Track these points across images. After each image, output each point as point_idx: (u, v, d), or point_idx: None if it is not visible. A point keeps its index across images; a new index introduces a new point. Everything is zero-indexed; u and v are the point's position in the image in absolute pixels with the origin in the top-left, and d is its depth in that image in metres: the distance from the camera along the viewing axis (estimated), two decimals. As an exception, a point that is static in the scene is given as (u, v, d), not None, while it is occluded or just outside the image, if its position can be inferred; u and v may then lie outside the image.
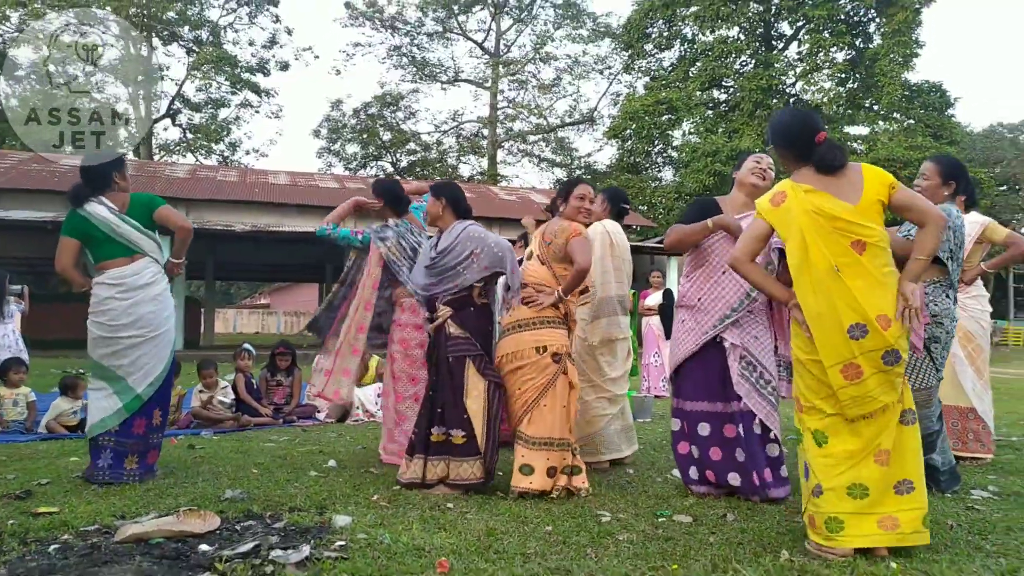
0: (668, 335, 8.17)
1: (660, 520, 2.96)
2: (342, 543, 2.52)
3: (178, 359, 6.67)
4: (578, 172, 32.21)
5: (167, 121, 30.32)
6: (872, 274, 2.51)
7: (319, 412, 6.40)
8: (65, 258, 3.68)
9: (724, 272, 3.37)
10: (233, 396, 6.22)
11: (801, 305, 2.56)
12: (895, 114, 25.40)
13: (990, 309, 4.55)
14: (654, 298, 8.40)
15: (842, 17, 25.09)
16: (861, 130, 25.95)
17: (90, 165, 3.81)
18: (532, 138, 32.78)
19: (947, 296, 3.36)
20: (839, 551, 2.44)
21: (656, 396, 7.75)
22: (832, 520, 2.47)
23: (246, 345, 6.69)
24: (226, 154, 31.45)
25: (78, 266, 3.74)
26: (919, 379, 3.32)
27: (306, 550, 2.39)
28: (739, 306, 3.35)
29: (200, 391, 6.05)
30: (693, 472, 3.47)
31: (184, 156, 30.94)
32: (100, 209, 3.64)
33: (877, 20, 24.99)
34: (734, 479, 3.33)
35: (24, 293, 7.44)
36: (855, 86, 25.36)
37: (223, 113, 30.89)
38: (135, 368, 3.64)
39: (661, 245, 19.19)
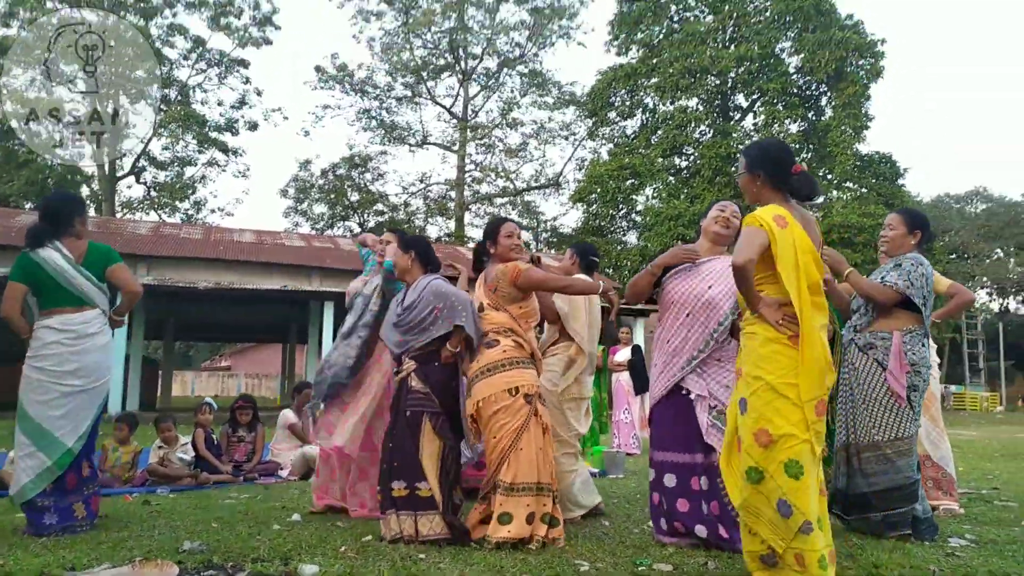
0: (637, 391, 8.17)
1: (640, 569, 2.88)
2: (310, 592, 2.39)
3: (136, 416, 6.47)
4: (544, 235, 32.61)
5: (131, 179, 30.04)
6: (827, 315, 2.62)
7: (282, 469, 6.17)
8: (11, 304, 3.53)
9: (689, 314, 3.38)
10: (193, 453, 5.96)
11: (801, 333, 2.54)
12: (848, 183, 26.41)
13: (939, 360, 4.65)
14: (623, 354, 8.41)
15: (795, 91, 26.32)
16: (816, 199, 26.87)
17: (52, 204, 3.74)
18: (499, 201, 33.18)
19: (923, 345, 3.42)
20: None
21: (628, 453, 7.65)
22: (823, 558, 2.41)
23: (208, 399, 6.48)
24: (191, 213, 31.19)
25: (24, 313, 3.59)
26: (902, 428, 3.34)
27: (273, 598, 2.25)
28: (704, 347, 3.34)
29: (159, 447, 5.80)
30: (663, 523, 3.39)
31: (147, 214, 30.60)
32: (55, 256, 3.51)
33: (828, 94, 26.24)
34: (701, 531, 3.25)
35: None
36: (809, 156, 26.39)
37: (189, 171, 30.80)
38: (66, 420, 3.46)
39: (626, 306, 19.37)
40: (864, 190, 25.86)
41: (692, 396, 3.34)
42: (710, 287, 3.35)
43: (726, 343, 3.37)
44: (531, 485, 3.27)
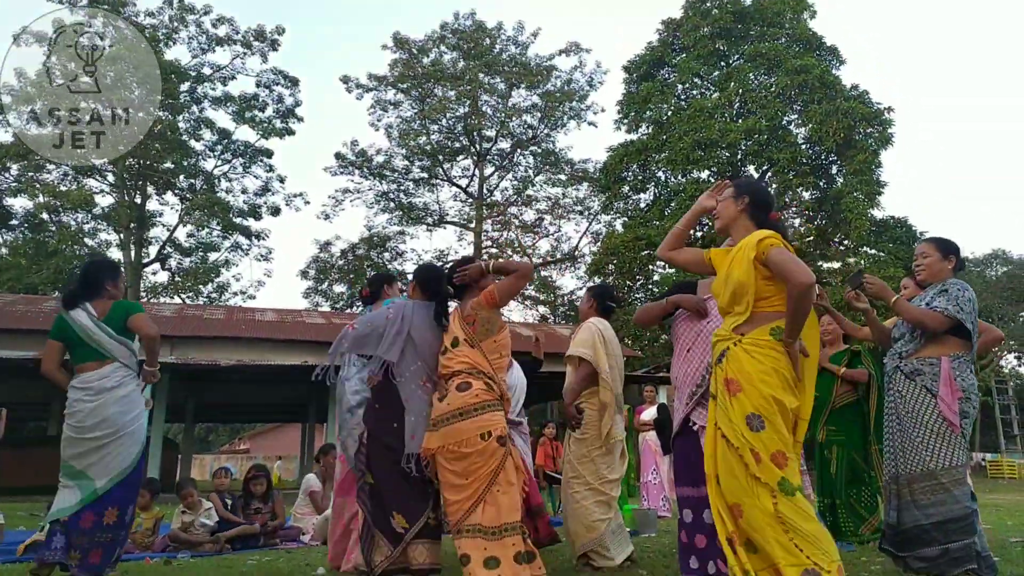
0: (665, 450, 7.98)
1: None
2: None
3: (157, 482, 6.42)
4: (562, 309, 32.63)
5: (156, 265, 30.69)
6: None
7: (304, 534, 6.04)
8: (48, 360, 3.84)
9: (689, 350, 3.42)
10: (216, 519, 5.84)
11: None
12: (865, 248, 26.39)
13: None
14: (649, 412, 8.26)
15: (804, 160, 26.65)
16: (834, 264, 26.84)
17: (87, 270, 4.03)
18: (516, 276, 33.34)
19: (971, 371, 3.34)
20: None
21: (659, 516, 7.41)
22: None
23: (227, 465, 6.42)
24: (213, 296, 31.64)
25: (62, 369, 3.87)
26: (955, 456, 3.21)
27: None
28: (703, 381, 3.30)
29: (183, 512, 5.71)
30: (693, 561, 3.28)
31: (172, 298, 31.07)
32: (81, 315, 3.79)
33: (838, 162, 26.57)
34: (711, 568, 3.13)
35: (2, 415, 7.17)
36: (824, 223, 26.52)
37: (212, 256, 31.41)
38: (100, 465, 3.67)
39: (647, 375, 19.15)
40: (882, 255, 25.81)
41: (696, 428, 3.30)
42: (708, 322, 3.40)
43: None
44: (512, 525, 3.18)
